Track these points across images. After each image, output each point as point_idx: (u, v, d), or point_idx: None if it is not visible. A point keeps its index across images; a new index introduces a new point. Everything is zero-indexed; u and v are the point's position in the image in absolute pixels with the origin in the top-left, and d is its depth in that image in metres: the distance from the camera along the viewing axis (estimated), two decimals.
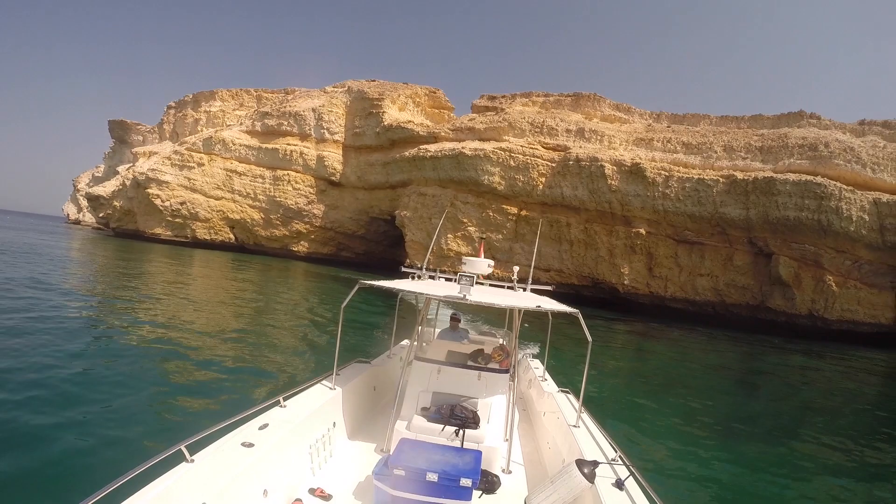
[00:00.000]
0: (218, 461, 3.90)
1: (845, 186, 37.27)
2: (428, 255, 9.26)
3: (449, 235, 46.93)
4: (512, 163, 44.96)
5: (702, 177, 40.49)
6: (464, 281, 5.88)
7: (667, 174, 41.19)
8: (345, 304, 6.17)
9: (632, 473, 4.63)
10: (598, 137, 46.37)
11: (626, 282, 42.24)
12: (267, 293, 29.67)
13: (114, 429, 7.98)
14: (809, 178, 37.54)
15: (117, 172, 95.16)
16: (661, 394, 15.11)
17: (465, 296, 5.64)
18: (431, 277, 7.95)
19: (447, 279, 7.92)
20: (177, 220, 64.54)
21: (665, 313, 41.42)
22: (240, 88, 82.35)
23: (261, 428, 4.64)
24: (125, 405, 9.05)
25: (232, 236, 66.82)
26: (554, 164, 44.37)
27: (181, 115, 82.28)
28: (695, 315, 41.11)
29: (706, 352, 26.87)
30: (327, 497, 4.85)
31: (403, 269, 8.99)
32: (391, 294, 7.23)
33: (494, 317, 21.84)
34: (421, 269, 8.22)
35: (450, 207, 47.07)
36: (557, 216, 43.95)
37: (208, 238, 65.49)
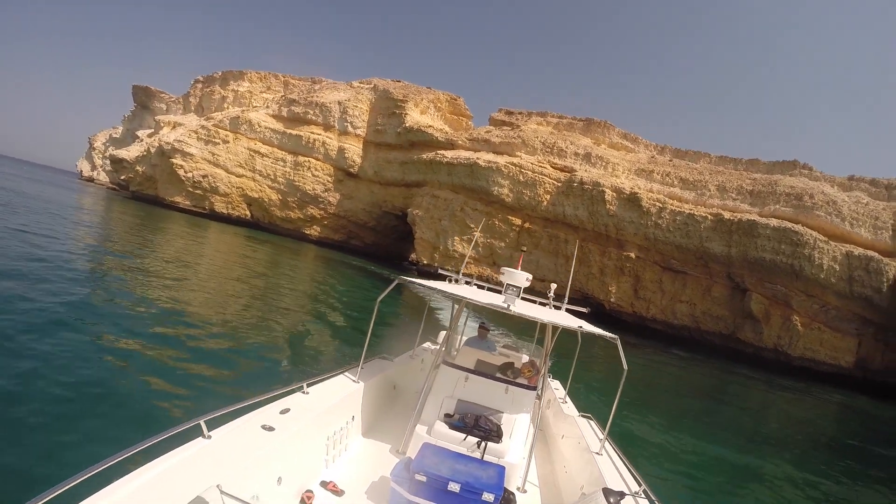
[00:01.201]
0: (236, 441, 3.83)
1: (821, 237, 40.92)
2: (462, 268, 9.29)
3: (455, 238, 50.65)
4: (521, 178, 48.62)
5: (693, 212, 44.18)
6: (510, 291, 6.07)
7: (661, 206, 44.86)
8: (381, 298, 6.20)
9: None
10: (604, 163, 50.03)
11: (612, 300, 45.92)
12: (289, 274, 31.98)
13: (133, 399, 8.13)
14: (789, 225, 41.24)
15: (137, 136, 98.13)
16: (643, 407, 16.54)
17: (508, 306, 5.73)
18: (467, 283, 7.97)
19: (478, 286, 8.08)
20: (197, 191, 67.72)
21: (645, 333, 45.09)
22: (268, 72, 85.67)
23: (282, 412, 4.59)
24: (144, 374, 9.25)
25: (248, 213, 70.01)
26: (559, 184, 48.04)
27: (209, 91, 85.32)
28: (672, 337, 44.80)
29: (680, 370, 30.57)
30: (339, 492, 4.79)
31: (440, 272, 9.19)
32: (408, 292, 8.17)
33: (518, 330, 22.61)
34: (458, 273, 8.22)
35: (459, 212, 50.78)
36: (557, 232, 47.65)
37: (225, 212, 68.65)
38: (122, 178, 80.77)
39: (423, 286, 6.37)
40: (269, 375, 10.82)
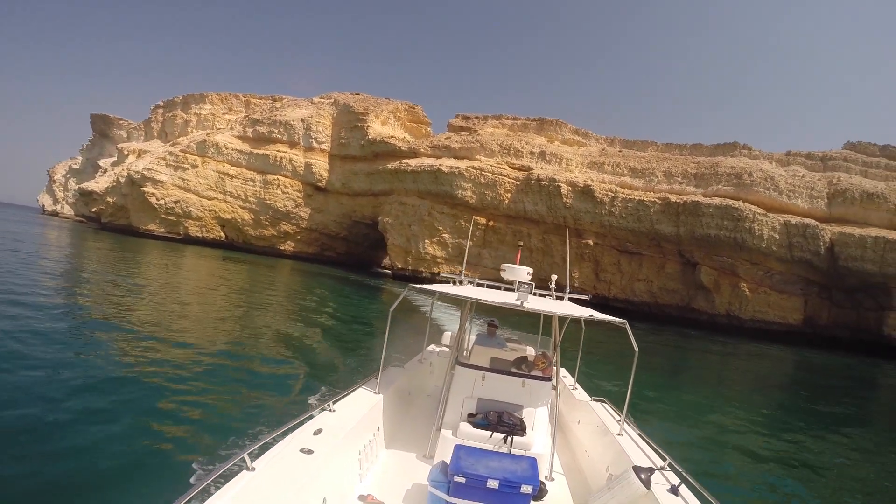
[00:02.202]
0: (279, 469, 3.95)
1: (759, 210, 45.07)
2: (463, 270, 9.47)
3: (426, 241, 53.57)
4: (482, 180, 51.76)
5: (642, 198, 47.95)
6: (522, 288, 6.25)
7: (613, 195, 48.50)
8: (393, 307, 6.34)
9: (684, 480, 4.82)
10: (558, 160, 53.52)
11: (576, 284, 49.38)
12: (274, 292, 32.94)
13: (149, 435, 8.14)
14: (730, 202, 45.32)
15: (99, 166, 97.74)
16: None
17: (522, 303, 5.88)
18: (471, 283, 8.15)
19: (478, 284, 8.26)
20: (170, 217, 68.83)
21: (608, 312, 48.11)
22: (229, 93, 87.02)
23: (315, 433, 4.73)
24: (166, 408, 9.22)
25: (222, 234, 71.41)
26: (518, 183, 51.34)
27: (171, 116, 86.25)
28: (633, 312, 48.36)
29: (646, 343, 33.73)
30: None
31: (442, 276, 9.57)
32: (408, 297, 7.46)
33: (517, 322, 24.27)
34: (460, 275, 8.44)
35: (427, 216, 53.70)
36: (520, 227, 50.96)
37: (200, 235, 69.92)
38: (93, 210, 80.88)
39: (432, 293, 6.57)
40: (287, 394, 11.06)
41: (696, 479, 4.74)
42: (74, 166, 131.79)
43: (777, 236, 44.88)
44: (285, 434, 4.52)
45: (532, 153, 54.37)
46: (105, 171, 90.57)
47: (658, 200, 47.54)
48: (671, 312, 48.11)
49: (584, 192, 48.79)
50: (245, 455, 3.76)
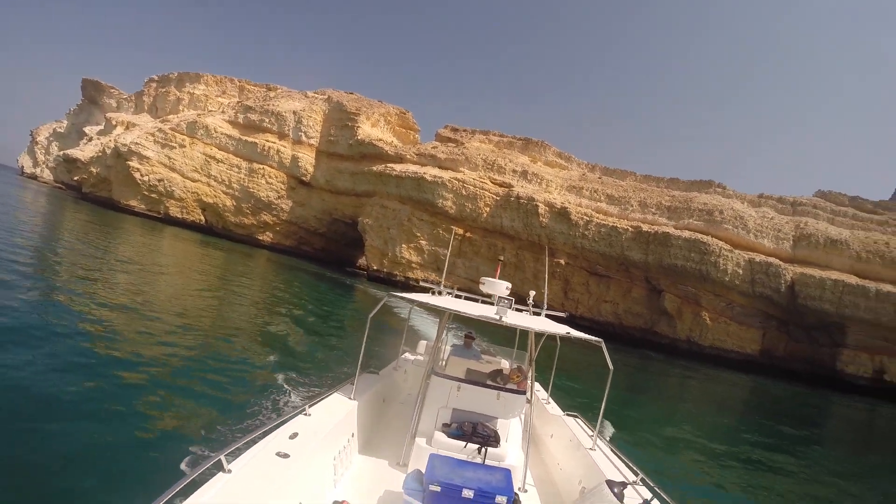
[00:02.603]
0: (255, 472, 3.94)
1: (726, 246, 47.10)
2: (443, 280, 9.44)
3: (403, 245, 54.62)
4: (464, 192, 53.04)
5: (616, 225, 49.66)
6: (502, 303, 6.35)
7: (588, 219, 50.14)
8: (372, 314, 6.33)
9: (656, 495, 4.87)
10: (539, 180, 55.09)
11: (528, 302, 50.95)
12: (252, 285, 32.79)
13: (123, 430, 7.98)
14: (699, 236, 47.29)
15: (84, 133, 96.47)
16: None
17: (501, 317, 5.91)
18: (449, 294, 8.24)
19: (456, 296, 8.41)
20: (152, 195, 68.47)
21: (574, 329, 50.08)
22: (224, 76, 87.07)
23: (291, 437, 4.72)
24: (139, 408, 8.95)
25: (202, 218, 71.22)
26: (498, 198, 52.73)
27: (164, 92, 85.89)
28: (598, 332, 49.15)
29: (612, 361, 34.72)
30: None
31: (422, 284, 9.37)
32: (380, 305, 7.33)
33: (491, 334, 23.06)
34: (439, 285, 8.53)
35: (406, 222, 54.77)
36: (495, 241, 52.32)
37: (180, 216, 69.67)
38: (75, 178, 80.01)
39: (411, 301, 6.73)
40: (263, 395, 10.84)
41: (668, 494, 4.81)
42: (59, 130, 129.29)
43: (741, 272, 46.91)
44: (262, 437, 4.53)
45: (514, 171, 55.83)
46: (91, 138, 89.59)
47: (630, 228, 49.28)
48: (634, 334, 49.83)
49: (560, 213, 50.33)
50: (222, 457, 3.77)
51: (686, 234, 47.88)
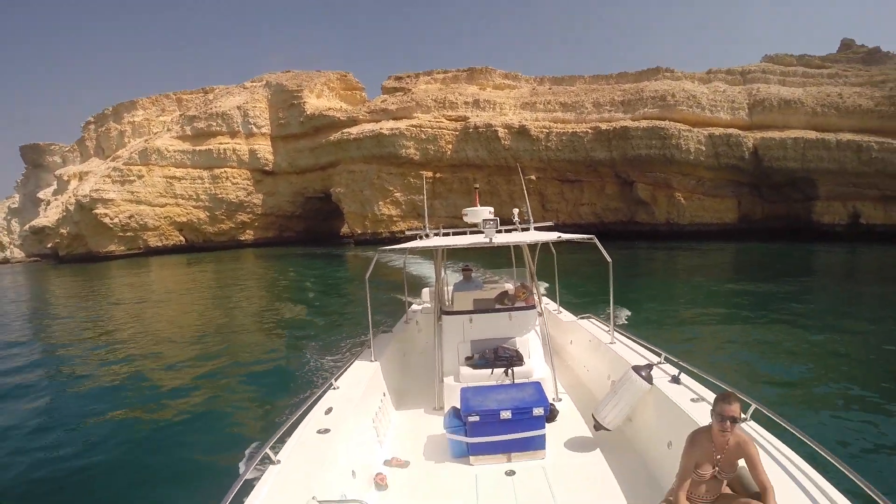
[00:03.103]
0: (303, 455, 4.01)
1: (684, 127, 48.17)
2: (426, 224, 9.05)
3: (380, 203, 55.67)
4: (423, 136, 53.69)
5: (575, 130, 50.68)
6: (488, 226, 6.27)
7: (548, 131, 51.11)
8: (368, 274, 6.25)
9: (682, 369, 5.08)
10: (492, 106, 55.67)
11: (526, 217, 52.41)
12: (246, 282, 33.56)
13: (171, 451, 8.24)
14: (656, 123, 48.36)
15: (39, 199, 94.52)
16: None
17: (490, 239, 5.98)
18: (436, 234, 8.24)
19: (444, 234, 8.28)
20: (128, 233, 68.17)
21: None
22: (159, 94, 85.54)
23: (327, 413, 4.80)
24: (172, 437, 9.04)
25: (182, 238, 71.41)
26: (457, 133, 53.45)
27: (104, 130, 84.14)
28: (582, 234, 51.71)
29: (601, 258, 36.07)
30: (404, 464, 5.03)
31: (407, 234, 9.32)
32: (381, 261, 7.97)
33: (495, 263, 23.88)
34: (424, 229, 8.46)
35: (376, 180, 55.58)
36: (465, 174, 53.30)
37: (160, 244, 69.75)
38: (49, 245, 78.68)
39: (402, 250, 6.82)
40: (288, 381, 11.15)
41: (692, 365, 4.98)
42: (13, 206, 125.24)
43: (703, 148, 48.10)
44: (299, 421, 4.60)
45: (466, 103, 56.33)
46: (48, 202, 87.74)
47: (590, 130, 50.28)
48: (617, 229, 51.47)
49: (520, 132, 51.19)
50: (267, 450, 3.85)
51: (644, 123, 48.90)
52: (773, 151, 46.80)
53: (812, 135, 46.46)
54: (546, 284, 13.53)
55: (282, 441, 4.19)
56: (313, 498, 3.36)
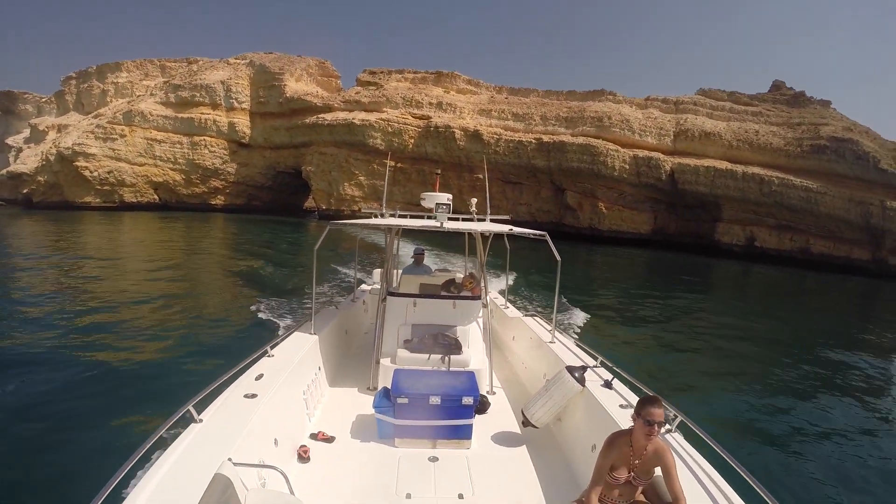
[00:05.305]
0: (226, 417, 3.93)
1: (612, 146, 56.08)
2: (384, 203, 9.22)
3: (345, 184, 62.65)
4: (390, 129, 60.85)
5: (522, 139, 58.54)
6: (441, 209, 6.51)
7: (498, 137, 58.88)
8: (317, 246, 6.28)
9: (616, 375, 5.17)
10: (453, 109, 63.13)
11: (471, 210, 60.17)
12: (212, 245, 34.65)
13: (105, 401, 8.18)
14: (591, 140, 56.36)
15: (8, 146, 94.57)
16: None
17: (442, 224, 6.16)
18: (392, 215, 8.20)
19: (400, 216, 8.30)
20: (105, 187, 71.93)
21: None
22: (144, 59, 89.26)
23: (257, 378, 4.74)
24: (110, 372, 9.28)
25: (156, 197, 75.77)
26: (420, 130, 60.89)
27: (86, 87, 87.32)
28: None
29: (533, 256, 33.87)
30: (330, 439, 5.05)
31: (364, 211, 9.41)
32: (337, 236, 8.69)
33: (445, 248, 26.14)
34: (381, 208, 8.51)
35: (344, 163, 62.55)
36: (423, 167, 60.79)
37: (135, 200, 73.73)
38: (24, 191, 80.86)
39: (355, 225, 6.82)
40: (229, 343, 11.20)
41: (627, 372, 5.13)
42: None
43: (627, 167, 56.12)
44: (227, 383, 4.54)
45: (431, 104, 63.61)
46: (19, 149, 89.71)
47: (534, 140, 58.25)
48: (547, 228, 57.59)
49: (474, 135, 58.89)
50: (190, 407, 3.77)
51: (580, 140, 56.93)
52: (686, 176, 54.52)
53: (723, 165, 53.74)
54: (500, 279, 14.05)
55: (208, 401, 4.13)
56: (229, 459, 3.23)
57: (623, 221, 58.23)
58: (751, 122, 59.16)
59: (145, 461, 3.25)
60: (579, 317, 16.35)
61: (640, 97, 65.70)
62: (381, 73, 71.76)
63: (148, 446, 3.22)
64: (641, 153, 56.54)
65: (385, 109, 63.42)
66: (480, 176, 59.39)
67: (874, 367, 14.43)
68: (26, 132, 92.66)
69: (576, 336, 7.16)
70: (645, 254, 48.60)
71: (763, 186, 52.19)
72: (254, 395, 4.36)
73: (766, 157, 54.40)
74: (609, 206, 57.98)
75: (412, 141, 60.92)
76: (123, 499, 2.82)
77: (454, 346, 6.39)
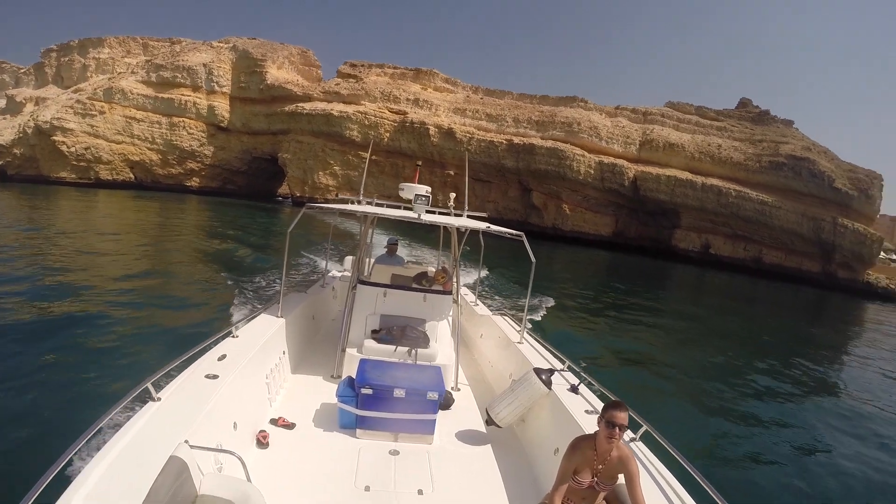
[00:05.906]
0: (185, 396, 3.85)
1: (579, 151, 58.73)
2: (361, 190, 8.56)
3: (320, 173, 64.43)
4: (367, 122, 62.71)
5: (493, 140, 60.92)
6: (419, 201, 6.23)
7: (471, 136, 61.15)
8: (291, 228, 6.15)
9: (582, 380, 5.12)
10: (429, 106, 65.19)
11: (449, 205, 62.41)
12: (184, 225, 35.18)
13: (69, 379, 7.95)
14: (559, 145, 58.89)
15: None
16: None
17: (419, 215, 6.06)
18: (369, 203, 7.92)
19: (377, 204, 7.98)
20: (81, 163, 71.77)
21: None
22: (127, 36, 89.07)
23: (220, 359, 4.64)
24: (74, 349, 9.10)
25: (132, 175, 75.94)
26: (396, 124, 62.83)
27: (67, 60, 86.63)
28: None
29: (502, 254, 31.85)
30: (290, 426, 4.95)
31: (341, 197, 9.37)
32: (312, 222, 8.71)
33: (422, 240, 26.49)
34: (359, 195, 8.25)
35: (321, 153, 64.26)
36: (397, 161, 62.80)
37: (110, 178, 73.70)
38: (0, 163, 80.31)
39: (331, 209, 6.90)
40: (194, 323, 11.07)
41: (594, 378, 5.13)
42: None
43: (592, 171, 58.97)
44: (189, 362, 4.45)
45: (408, 100, 65.59)
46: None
47: (505, 141, 60.68)
48: (512, 226, 61.19)
49: (447, 133, 61.07)
50: (149, 385, 3.67)
51: (549, 143, 59.50)
52: (648, 184, 57.45)
53: (685, 175, 56.67)
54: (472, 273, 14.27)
55: (167, 379, 4.04)
56: (185, 441, 3.10)
57: (585, 223, 61.02)
58: (715, 136, 62.16)
59: (99, 439, 3.31)
60: (542, 315, 16.31)
61: (611, 105, 68.58)
62: (362, 66, 73.40)
63: (102, 423, 3.15)
64: (607, 159, 59.34)
65: (363, 102, 65.22)
66: (452, 172, 61.63)
67: (834, 373, 15.70)
68: (2, 102, 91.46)
69: (539, 337, 7.17)
70: (605, 255, 51.07)
71: (721, 197, 55.16)
72: (215, 377, 4.30)
73: (726, 170, 57.44)
74: (573, 207, 60.71)
75: (388, 135, 62.86)
76: (73, 478, 2.74)
77: (422, 340, 6.39)
